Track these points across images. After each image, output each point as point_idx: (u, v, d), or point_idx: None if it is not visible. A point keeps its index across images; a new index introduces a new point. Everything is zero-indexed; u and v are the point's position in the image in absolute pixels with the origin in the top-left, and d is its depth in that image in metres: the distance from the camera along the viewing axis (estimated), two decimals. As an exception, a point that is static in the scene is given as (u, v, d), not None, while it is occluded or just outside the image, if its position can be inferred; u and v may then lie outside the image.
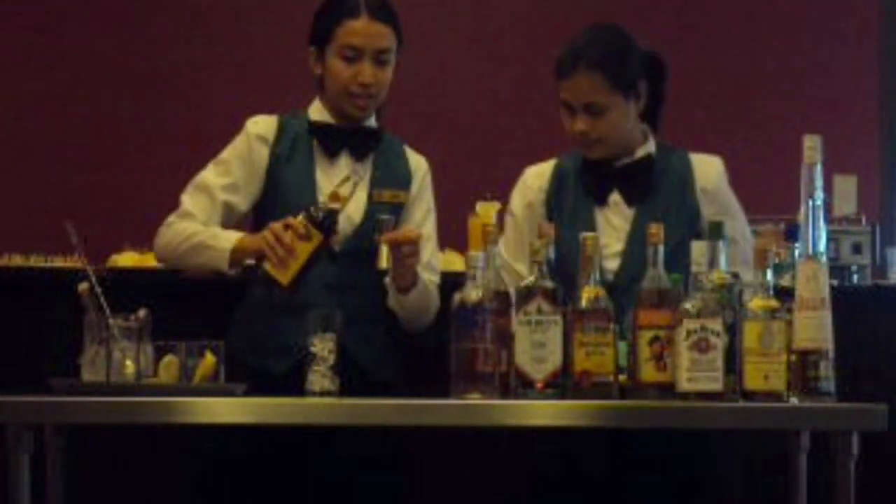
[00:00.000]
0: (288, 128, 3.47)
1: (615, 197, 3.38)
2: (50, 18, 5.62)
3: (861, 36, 5.75)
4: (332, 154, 3.46)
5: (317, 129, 3.47)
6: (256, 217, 3.48)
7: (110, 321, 3.02)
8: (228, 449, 3.34)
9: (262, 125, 3.48)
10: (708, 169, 3.42)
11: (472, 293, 2.90)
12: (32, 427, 2.86)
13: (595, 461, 3.24)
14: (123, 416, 2.90)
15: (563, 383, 2.89)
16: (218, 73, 5.60)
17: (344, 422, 2.89)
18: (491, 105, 5.66)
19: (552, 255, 2.99)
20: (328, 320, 3.01)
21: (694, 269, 2.88)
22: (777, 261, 2.99)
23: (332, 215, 3.16)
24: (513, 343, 2.90)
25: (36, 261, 4.58)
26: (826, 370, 2.84)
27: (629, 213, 3.36)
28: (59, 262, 4.53)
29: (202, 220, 3.41)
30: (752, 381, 2.84)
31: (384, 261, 3.27)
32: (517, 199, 3.47)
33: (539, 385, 2.88)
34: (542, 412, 2.84)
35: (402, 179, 3.51)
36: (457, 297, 2.93)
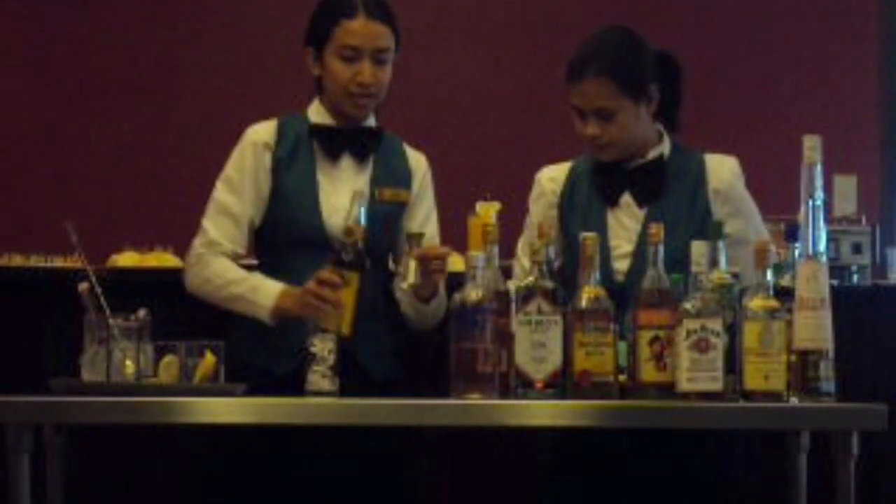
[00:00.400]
0: (288, 131, 3.46)
1: (626, 198, 3.37)
2: (50, 19, 5.62)
3: (861, 36, 5.75)
4: (333, 156, 3.46)
5: (317, 131, 3.46)
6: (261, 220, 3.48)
7: (110, 321, 3.02)
8: (228, 449, 3.34)
9: (262, 133, 3.46)
10: (721, 169, 3.41)
11: (472, 293, 2.90)
12: (32, 427, 2.86)
13: (595, 461, 3.24)
14: (123, 416, 2.90)
15: (563, 383, 2.89)
16: (218, 73, 5.60)
17: (344, 422, 2.89)
18: (491, 105, 5.66)
19: (552, 255, 2.99)
20: (328, 321, 3.02)
21: (694, 269, 2.88)
22: (777, 261, 2.99)
23: (357, 251, 3.15)
24: (513, 343, 2.90)
25: (36, 261, 4.58)
26: (826, 370, 2.84)
27: (640, 214, 3.35)
28: (59, 262, 4.53)
29: (230, 249, 3.39)
30: (752, 381, 2.84)
31: (412, 275, 3.27)
32: (534, 201, 3.47)
33: (539, 385, 2.88)
34: (542, 412, 2.84)
35: (403, 178, 3.51)
36: (457, 297, 2.93)
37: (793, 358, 2.85)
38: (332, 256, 3.17)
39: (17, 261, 4.60)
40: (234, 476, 3.37)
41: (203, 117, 5.56)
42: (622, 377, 2.93)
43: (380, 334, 3.41)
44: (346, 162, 3.47)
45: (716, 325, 2.83)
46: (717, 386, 2.82)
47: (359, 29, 3.40)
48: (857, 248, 4.94)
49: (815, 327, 2.84)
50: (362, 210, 3.24)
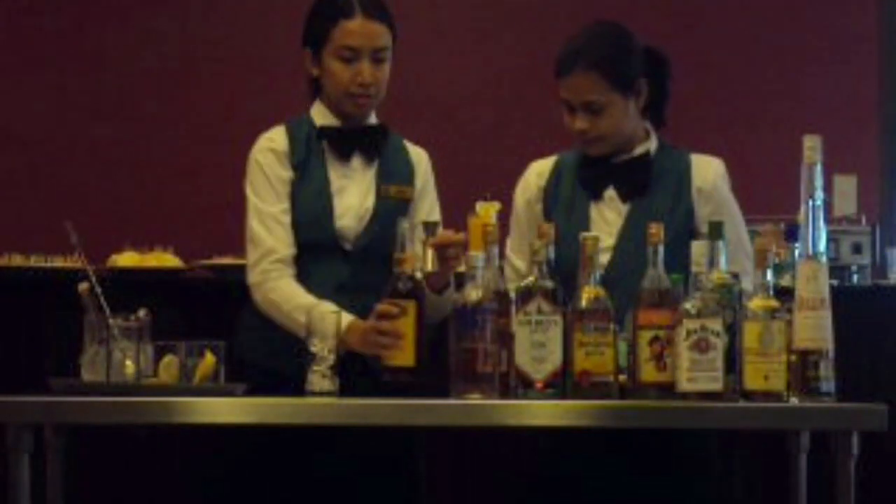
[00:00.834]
0: (297, 135, 3.45)
1: (610, 192, 3.38)
2: (50, 19, 5.62)
3: (861, 36, 5.75)
4: (344, 156, 3.46)
5: (326, 133, 3.46)
6: None
7: (110, 321, 3.02)
8: (228, 449, 3.34)
9: (277, 141, 3.45)
10: (706, 169, 3.42)
11: (472, 293, 2.90)
12: (32, 427, 2.86)
13: (595, 461, 3.24)
14: (123, 416, 2.90)
15: (563, 383, 2.89)
16: (218, 74, 5.60)
17: (344, 422, 2.89)
18: (491, 105, 5.66)
19: (552, 255, 2.99)
20: (328, 320, 3.01)
21: (694, 269, 2.88)
22: (777, 261, 2.99)
23: (412, 279, 3.14)
24: (513, 343, 2.90)
25: (36, 261, 4.58)
26: (826, 370, 2.84)
27: (623, 208, 3.36)
28: (59, 262, 4.53)
29: (288, 254, 3.36)
30: (752, 381, 2.84)
31: (430, 264, 3.27)
32: (518, 195, 3.49)
33: (539, 385, 2.88)
34: (542, 412, 2.84)
35: (406, 174, 3.51)
36: (457, 297, 2.93)
37: (793, 358, 2.85)
38: (390, 290, 3.15)
39: (17, 261, 4.60)
40: (234, 476, 3.37)
41: (204, 117, 5.56)
42: (622, 377, 2.93)
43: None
44: (356, 162, 3.47)
45: (716, 325, 2.83)
46: (717, 386, 2.82)
47: (357, 29, 3.40)
48: (857, 248, 4.94)
49: (815, 327, 2.84)
50: (407, 236, 3.22)
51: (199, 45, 5.62)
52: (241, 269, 4.50)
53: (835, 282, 3.68)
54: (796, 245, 2.95)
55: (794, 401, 2.84)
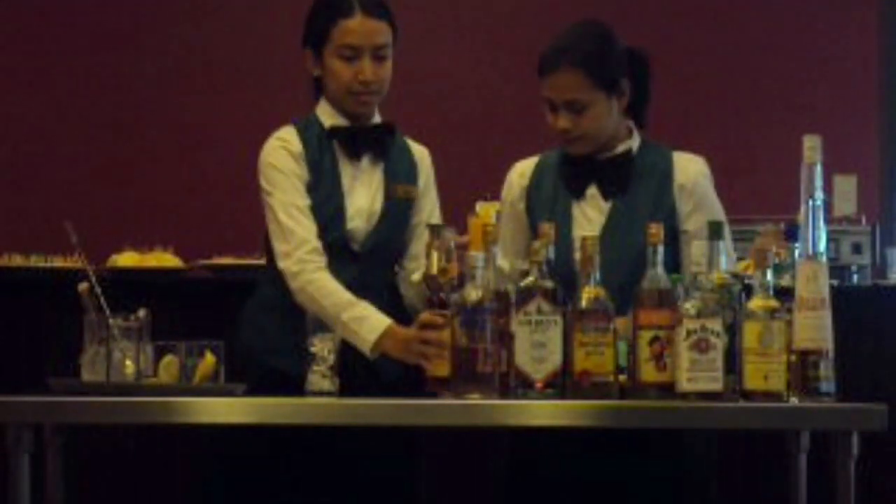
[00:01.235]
0: (308, 136, 3.45)
1: (592, 190, 3.38)
2: (50, 19, 5.62)
3: (861, 36, 5.75)
4: (354, 156, 3.45)
5: (336, 133, 3.45)
6: None
7: (110, 321, 3.02)
8: (228, 449, 3.34)
9: (290, 141, 3.43)
10: (688, 166, 3.41)
11: (472, 293, 2.90)
12: (32, 427, 2.86)
13: (594, 461, 3.24)
14: (123, 416, 2.90)
15: (563, 383, 2.89)
16: (218, 74, 5.60)
17: (344, 422, 2.89)
18: (492, 105, 5.66)
19: (552, 255, 2.99)
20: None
21: (694, 269, 2.88)
22: (777, 261, 2.99)
23: (454, 289, 3.14)
24: (513, 343, 2.90)
25: (36, 261, 4.58)
26: (826, 370, 2.84)
27: (605, 206, 3.36)
28: (59, 262, 4.53)
29: (317, 245, 3.32)
30: (752, 381, 2.84)
31: (434, 266, 3.27)
32: (502, 196, 3.50)
33: (539, 385, 2.88)
34: (542, 412, 2.85)
35: (411, 173, 3.51)
36: (457, 297, 2.93)
37: (793, 358, 2.85)
38: (429, 305, 3.14)
39: (17, 261, 4.60)
40: (234, 476, 3.37)
41: (204, 117, 5.56)
42: (622, 377, 2.93)
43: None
44: (365, 162, 3.47)
45: (716, 325, 2.83)
46: (717, 386, 2.82)
47: (357, 27, 3.40)
48: (857, 248, 4.94)
49: (815, 327, 2.84)
50: (443, 251, 3.23)
51: (199, 46, 5.62)
52: (241, 270, 4.53)
53: (835, 282, 3.68)
54: (796, 245, 2.94)
55: (794, 401, 2.84)
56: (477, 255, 2.94)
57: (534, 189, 3.43)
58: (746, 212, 4.59)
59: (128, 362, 3.02)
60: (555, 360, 2.88)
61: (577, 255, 3.17)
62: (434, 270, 3.25)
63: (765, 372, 2.83)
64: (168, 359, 3.03)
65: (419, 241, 3.42)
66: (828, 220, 3.02)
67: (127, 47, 5.60)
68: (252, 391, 3.01)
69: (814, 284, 2.84)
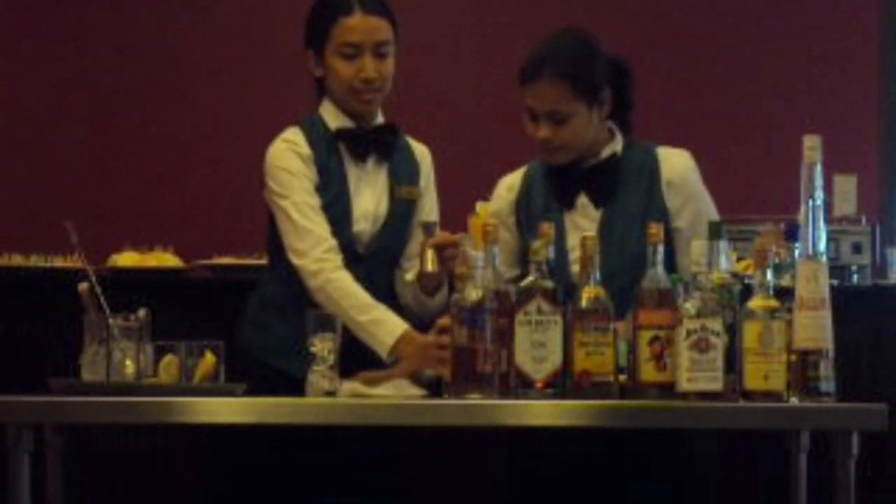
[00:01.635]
0: (314, 138, 3.44)
1: (583, 199, 3.37)
2: (50, 19, 5.61)
3: (861, 36, 5.75)
4: (361, 158, 3.45)
5: (342, 135, 3.45)
6: None
7: (110, 321, 3.02)
8: (228, 449, 3.34)
9: (298, 143, 3.42)
10: (674, 161, 3.40)
11: (472, 293, 2.90)
12: (32, 427, 2.86)
13: (594, 461, 3.24)
14: (123, 416, 2.90)
15: (563, 383, 2.89)
16: (219, 75, 5.60)
17: (344, 422, 2.89)
18: (492, 105, 5.66)
19: (552, 255, 2.99)
20: (328, 320, 3.02)
21: (694, 269, 2.88)
22: (777, 261, 2.99)
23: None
24: (513, 343, 2.90)
25: (36, 261, 4.58)
26: (826, 370, 2.83)
27: (597, 214, 3.35)
28: (59, 262, 4.53)
29: (333, 243, 3.33)
30: (752, 380, 2.84)
31: (430, 264, 3.27)
32: (491, 209, 3.47)
33: (539, 385, 2.88)
34: (542, 412, 2.84)
35: (413, 173, 3.52)
36: (457, 297, 2.93)
37: (793, 358, 2.85)
38: (423, 295, 3.14)
39: (17, 261, 4.60)
40: (235, 476, 3.37)
41: (204, 117, 5.56)
42: (622, 377, 2.93)
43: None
44: (370, 163, 3.47)
45: (716, 325, 2.83)
46: (717, 386, 2.82)
47: (357, 25, 3.40)
48: (857, 248, 4.94)
49: (815, 327, 2.84)
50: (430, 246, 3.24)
51: (199, 46, 5.62)
52: (241, 269, 4.52)
53: (835, 282, 3.68)
54: (796, 245, 2.94)
55: (793, 401, 2.84)
56: (477, 255, 2.94)
57: (523, 203, 3.42)
58: (746, 212, 4.58)
59: (128, 362, 3.02)
60: (555, 360, 2.88)
61: (574, 268, 3.17)
62: (430, 269, 3.25)
63: (765, 372, 2.83)
64: (168, 359, 3.03)
65: (416, 241, 3.42)
66: (828, 220, 3.01)
67: (127, 47, 5.59)
68: (253, 391, 3.01)
69: (814, 284, 2.84)
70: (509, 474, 3.45)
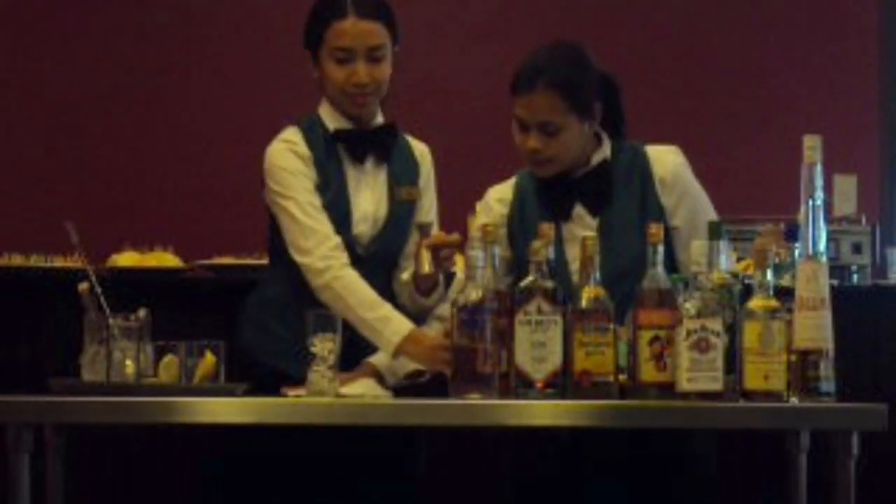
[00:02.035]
0: (313, 138, 3.44)
1: (578, 209, 3.36)
2: (50, 19, 5.62)
3: (861, 36, 5.75)
4: (359, 159, 3.45)
5: (340, 137, 3.45)
6: None
7: (110, 321, 3.03)
8: (228, 449, 3.34)
9: (297, 143, 3.42)
10: (664, 159, 3.39)
11: (472, 293, 2.90)
12: (32, 427, 2.86)
13: (594, 461, 3.24)
14: (123, 416, 2.90)
15: (563, 383, 2.89)
16: (219, 74, 5.60)
17: (344, 422, 2.89)
18: (492, 105, 5.65)
19: (552, 255, 2.99)
20: (328, 320, 3.02)
21: (694, 268, 2.88)
22: (777, 261, 2.99)
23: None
24: (513, 343, 2.90)
25: (36, 261, 4.58)
26: (826, 370, 2.84)
27: (593, 223, 3.34)
28: (59, 262, 4.53)
29: (338, 240, 3.32)
30: (752, 380, 2.84)
31: (426, 265, 3.27)
32: (480, 218, 3.45)
33: (539, 385, 2.88)
34: (542, 412, 2.84)
35: (413, 173, 3.51)
36: (457, 297, 2.93)
37: (793, 358, 2.85)
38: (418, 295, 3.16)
39: (17, 261, 4.60)
40: (234, 476, 3.37)
41: (204, 117, 5.56)
42: (622, 377, 2.93)
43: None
44: (369, 164, 3.46)
45: (716, 325, 2.83)
46: (717, 386, 2.82)
47: (349, 29, 3.39)
48: (857, 248, 4.94)
49: (815, 327, 2.84)
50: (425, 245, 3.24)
51: (199, 46, 5.62)
52: (241, 269, 4.52)
53: (835, 282, 3.68)
54: (796, 245, 2.94)
55: (794, 401, 2.84)
56: (477, 255, 2.94)
57: (516, 217, 3.40)
58: (746, 212, 4.58)
59: (128, 362, 3.02)
60: (555, 360, 2.88)
61: (575, 279, 3.17)
62: (426, 270, 3.25)
63: (765, 372, 2.83)
64: (168, 359, 3.03)
65: (413, 241, 3.42)
66: (828, 220, 3.01)
67: (127, 47, 5.60)
68: (252, 392, 3.01)
69: (814, 284, 2.84)
70: (510, 474, 3.45)
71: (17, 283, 4.49)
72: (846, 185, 5.47)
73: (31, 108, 5.56)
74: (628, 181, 3.36)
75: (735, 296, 2.93)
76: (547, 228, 3.02)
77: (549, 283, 2.90)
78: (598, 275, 2.91)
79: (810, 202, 2.87)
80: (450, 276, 3.40)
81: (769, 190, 5.02)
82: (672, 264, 3.20)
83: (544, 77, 3.26)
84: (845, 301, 3.20)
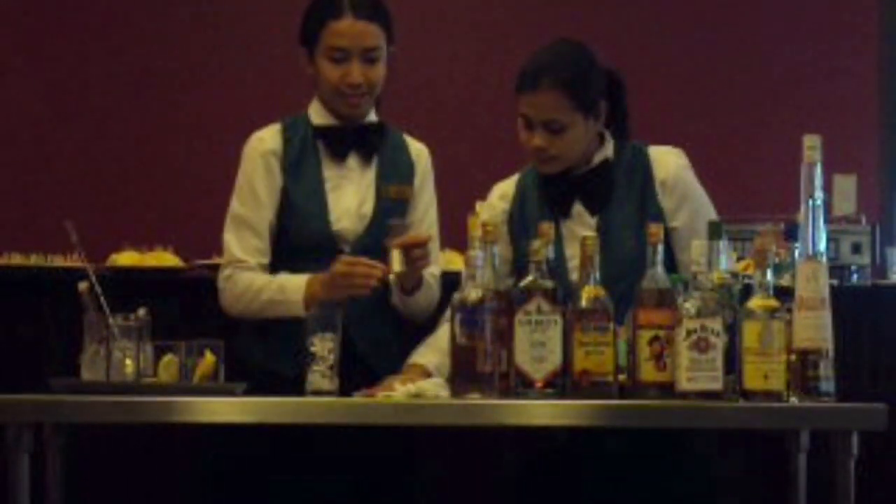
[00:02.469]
0: (292, 135, 3.45)
1: (578, 207, 3.36)
2: (50, 19, 5.61)
3: (861, 36, 5.75)
4: (339, 156, 3.45)
5: (322, 133, 3.45)
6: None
7: (110, 321, 3.03)
8: (228, 449, 3.34)
9: (268, 141, 3.44)
10: (666, 161, 3.39)
11: (472, 293, 2.90)
12: (32, 427, 2.86)
13: (594, 461, 3.24)
14: (123, 416, 2.90)
15: (563, 383, 2.89)
16: (218, 73, 5.60)
17: (344, 422, 2.89)
18: (492, 104, 5.65)
19: (551, 255, 2.99)
20: (328, 320, 3.02)
21: (694, 268, 2.88)
22: (777, 261, 2.99)
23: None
24: (513, 343, 2.90)
25: (36, 261, 4.58)
26: (826, 370, 2.84)
27: (593, 221, 3.34)
28: (59, 262, 4.53)
29: (256, 263, 3.38)
30: (752, 380, 2.84)
31: (397, 265, 3.27)
32: (482, 216, 3.46)
33: (539, 385, 2.88)
34: (542, 412, 2.84)
35: (406, 172, 3.51)
36: (457, 297, 2.93)
37: (793, 358, 2.85)
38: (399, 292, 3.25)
39: (17, 261, 4.60)
40: (235, 476, 3.37)
41: (203, 117, 5.56)
42: (622, 377, 2.93)
43: (389, 336, 3.41)
44: (352, 161, 3.46)
45: (716, 324, 2.83)
46: (716, 386, 2.82)
47: (345, 30, 3.39)
48: (856, 248, 4.93)
49: (815, 327, 2.84)
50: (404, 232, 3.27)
51: (199, 45, 5.62)
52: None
53: (835, 282, 3.68)
54: (796, 245, 2.94)
55: (793, 401, 2.84)
56: (477, 255, 2.94)
57: (517, 213, 3.42)
58: (746, 212, 4.58)
59: (128, 362, 3.02)
60: (555, 359, 2.88)
61: (573, 276, 3.17)
62: (397, 269, 3.26)
63: (765, 372, 2.83)
64: (168, 358, 3.03)
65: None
66: (828, 220, 3.02)
67: (127, 47, 5.59)
68: (252, 393, 3.01)
69: (814, 284, 2.84)
70: (510, 474, 3.45)
71: (17, 283, 4.48)
72: (846, 185, 5.47)
73: (31, 108, 5.56)
74: (629, 182, 3.36)
75: (735, 296, 2.93)
76: (547, 228, 3.02)
77: (548, 283, 2.90)
78: (597, 274, 2.91)
79: (810, 202, 2.87)
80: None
81: (769, 190, 5.02)
82: (671, 264, 3.20)
83: (549, 75, 3.27)
84: (845, 301, 3.20)
